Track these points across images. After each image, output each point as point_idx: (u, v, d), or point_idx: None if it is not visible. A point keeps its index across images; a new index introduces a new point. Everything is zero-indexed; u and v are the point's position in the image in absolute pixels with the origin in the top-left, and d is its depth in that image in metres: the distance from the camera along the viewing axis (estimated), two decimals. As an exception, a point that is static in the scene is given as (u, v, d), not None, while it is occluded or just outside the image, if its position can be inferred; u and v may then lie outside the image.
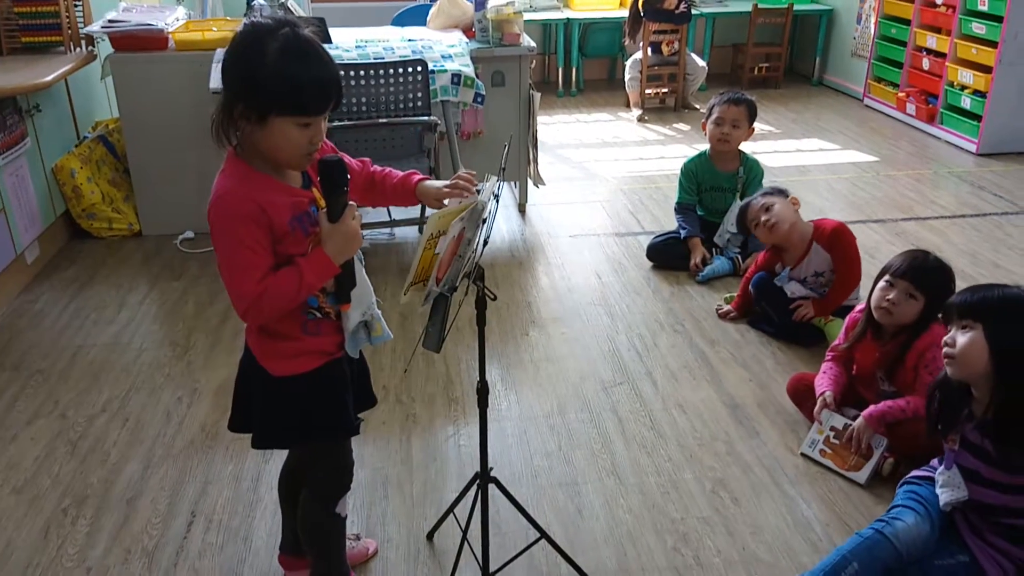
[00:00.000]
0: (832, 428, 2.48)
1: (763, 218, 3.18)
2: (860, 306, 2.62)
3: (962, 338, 1.88)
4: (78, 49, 3.92)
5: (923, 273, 2.41)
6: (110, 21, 3.90)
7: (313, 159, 1.58)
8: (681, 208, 3.76)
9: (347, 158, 1.69)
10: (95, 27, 3.89)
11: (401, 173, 1.78)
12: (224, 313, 3.38)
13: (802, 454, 2.53)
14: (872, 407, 2.42)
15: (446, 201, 1.69)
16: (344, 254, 1.58)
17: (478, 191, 1.66)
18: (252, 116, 1.49)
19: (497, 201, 1.66)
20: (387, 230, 4.16)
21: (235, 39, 1.53)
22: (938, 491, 2.01)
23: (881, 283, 2.48)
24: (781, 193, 3.26)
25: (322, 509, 1.86)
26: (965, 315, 1.88)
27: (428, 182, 1.74)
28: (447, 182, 1.70)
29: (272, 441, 1.83)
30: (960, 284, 3.54)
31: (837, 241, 3.11)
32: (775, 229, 3.15)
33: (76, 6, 3.96)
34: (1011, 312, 1.86)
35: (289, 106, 1.48)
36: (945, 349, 1.92)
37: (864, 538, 1.93)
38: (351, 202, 1.59)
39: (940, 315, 2.44)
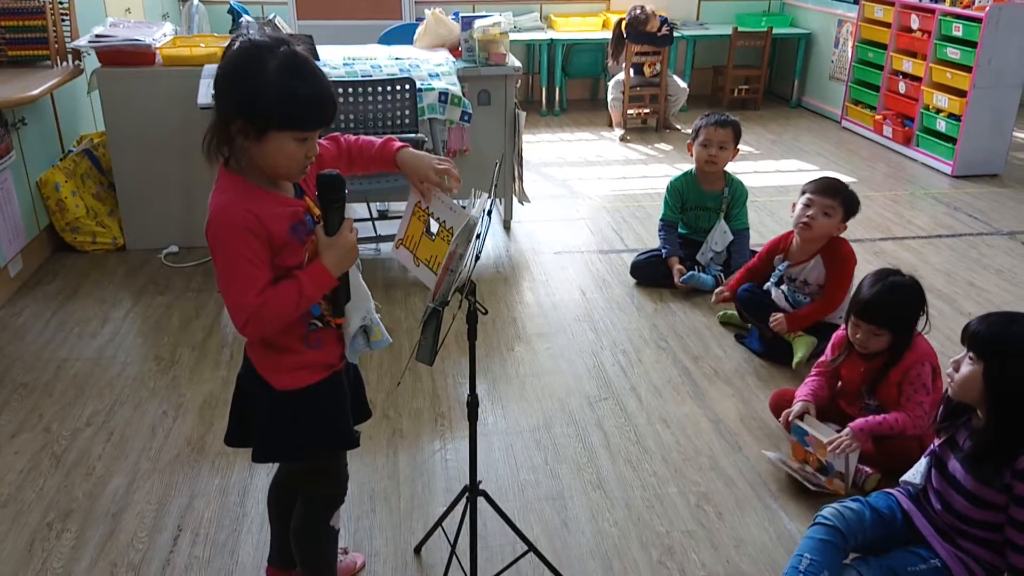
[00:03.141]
0: (801, 458, 2.54)
1: (809, 213, 3.06)
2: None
3: (965, 368, 1.92)
4: (64, 63, 3.92)
5: (882, 310, 2.45)
6: (97, 36, 3.91)
7: (307, 170, 1.61)
8: (664, 225, 3.82)
9: (321, 143, 1.67)
10: (82, 41, 3.90)
11: (379, 141, 1.77)
12: (209, 327, 3.38)
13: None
14: (861, 419, 2.46)
15: (440, 195, 1.72)
16: (342, 267, 1.61)
17: (470, 206, 1.69)
18: (251, 132, 1.51)
19: (490, 217, 1.69)
20: (373, 246, 4.17)
21: (231, 56, 1.54)
22: (907, 474, 2.10)
23: (851, 319, 2.54)
24: (849, 209, 3.09)
25: (317, 521, 1.87)
26: (972, 348, 1.92)
27: (409, 152, 1.72)
28: (437, 159, 1.72)
29: (274, 455, 1.83)
30: (936, 302, 3.60)
31: (836, 256, 3.10)
32: (806, 228, 3.08)
33: (63, 20, 3.97)
34: (1013, 357, 1.85)
35: (289, 121, 1.51)
36: (949, 369, 1.97)
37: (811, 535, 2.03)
38: (347, 216, 1.62)
39: (921, 329, 2.51)
